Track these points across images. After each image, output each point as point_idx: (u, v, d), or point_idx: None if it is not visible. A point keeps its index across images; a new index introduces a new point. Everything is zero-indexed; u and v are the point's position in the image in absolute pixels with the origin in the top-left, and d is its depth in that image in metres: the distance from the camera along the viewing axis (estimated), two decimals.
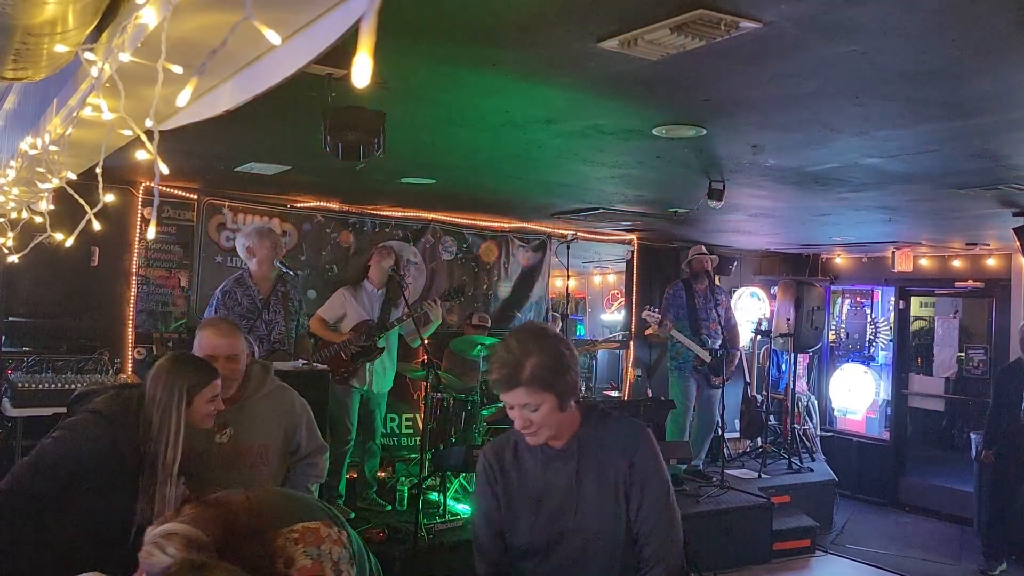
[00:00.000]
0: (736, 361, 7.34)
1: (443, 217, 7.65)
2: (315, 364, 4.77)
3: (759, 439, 8.38)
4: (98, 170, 1.95)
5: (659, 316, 6.81)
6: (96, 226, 2.21)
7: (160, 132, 1.69)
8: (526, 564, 2.24)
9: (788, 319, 8.25)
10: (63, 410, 2.98)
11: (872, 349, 9.39)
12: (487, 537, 2.27)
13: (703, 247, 7.30)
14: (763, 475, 7.56)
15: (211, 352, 2.87)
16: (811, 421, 9.14)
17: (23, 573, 2.46)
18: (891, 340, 9.21)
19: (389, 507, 5.74)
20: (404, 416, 7.14)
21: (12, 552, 2.47)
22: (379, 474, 6.12)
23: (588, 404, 2.29)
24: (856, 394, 9.39)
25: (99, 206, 2.03)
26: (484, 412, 6.16)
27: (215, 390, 2.71)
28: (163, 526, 1.77)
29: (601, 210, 6.71)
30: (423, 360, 5.96)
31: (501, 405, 6.00)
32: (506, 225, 8.04)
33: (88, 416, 2.63)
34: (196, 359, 2.81)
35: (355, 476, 5.87)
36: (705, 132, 3.78)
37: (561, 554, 2.19)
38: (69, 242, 2.55)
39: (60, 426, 2.66)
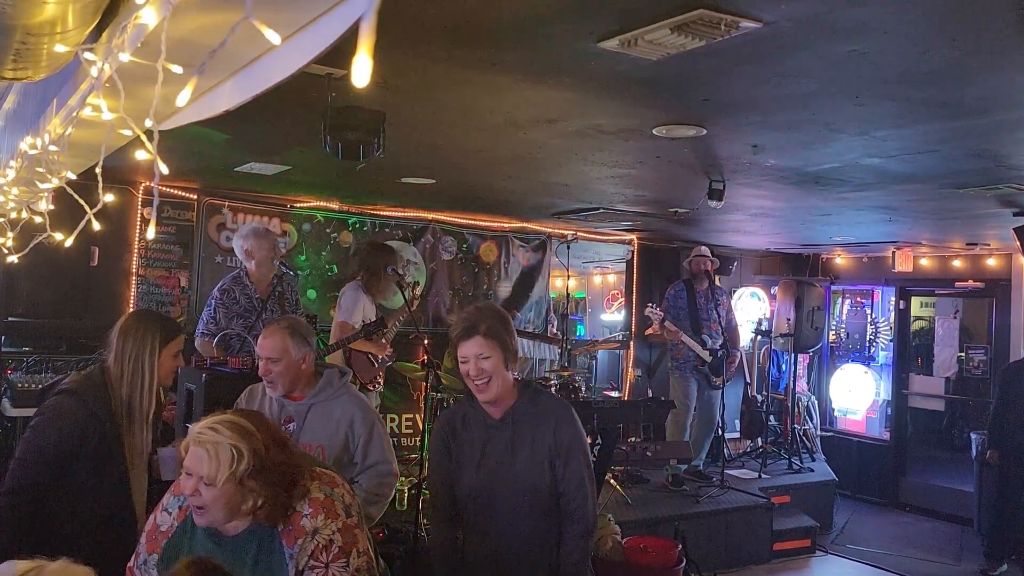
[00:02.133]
0: (737, 361, 7.34)
1: (443, 217, 7.64)
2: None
3: (759, 439, 8.38)
4: (98, 170, 1.95)
5: (661, 313, 6.81)
6: (96, 226, 2.20)
7: (160, 132, 1.69)
8: (470, 507, 2.68)
9: (788, 319, 8.25)
10: None
11: (872, 349, 9.39)
12: (439, 483, 2.74)
13: (704, 248, 7.30)
14: (763, 475, 7.56)
15: (259, 352, 3.02)
16: (811, 421, 9.14)
17: None
18: (891, 340, 9.21)
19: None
20: (404, 416, 7.14)
21: (15, 552, 2.48)
22: None
23: (524, 382, 2.75)
24: (856, 394, 9.39)
25: (99, 206, 2.03)
26: None
27: (180, 345, 2.84)
28: (208, 419, 1.98)
29: (601, 210, 6.71)
30: (423, 360, 5.95)
31: None
32: (506, 225, 8.04)
33: (56, 399, 2.69)
34: (159, 314, 2.94)
35: None
36: (705, 132, 3.77)
37: (498, 503, 2.62)
38: (69, 242, 2.54)
39: (34, 416, 2.73)
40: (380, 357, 5.54)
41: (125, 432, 2.69)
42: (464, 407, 2.75)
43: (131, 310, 3.00)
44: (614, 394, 9.07)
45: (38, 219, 3.12)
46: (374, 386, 5.62)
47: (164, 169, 1.63)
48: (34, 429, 2.65)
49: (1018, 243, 5.82)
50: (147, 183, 6.01)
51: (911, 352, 9.44)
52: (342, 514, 2.06)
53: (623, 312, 9.75)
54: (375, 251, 5.83)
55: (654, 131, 3.80)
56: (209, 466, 1.92)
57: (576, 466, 2.64)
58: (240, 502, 1.96)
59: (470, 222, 7.83)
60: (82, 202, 2.24)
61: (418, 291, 6.07)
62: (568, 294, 8.31)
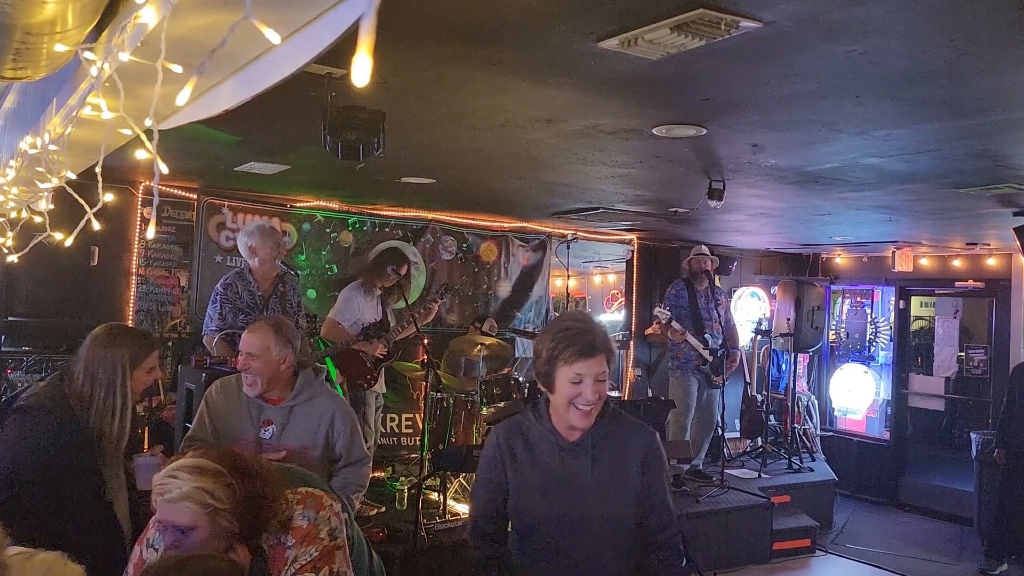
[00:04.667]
0: (736, 361, 7.34)
1: (443, 217, 7.64)
2: (315, 364, 4.77)
3: (759, 439, 8.38)
4: (98, 169, 1.95)
5: (670, 313, 6.80)
6: (96, 226, 2.20)
7: (160, 131, 1.68)
8: (537, 536, 2.37)
9: (788, 319, 8.25)
10: None
11: (872, 349, 9.39)
12: (485, 506, 2.44)
13: (704, 247, 7.30)
14: (763, 475, 7.56)
15: (240, 347, 3.01)
16: (811, 421, 9.14)
17: None
18: (891, 340, 9.21)
19: (383, 508, 5.73)
20: (404, 416, 7.14)
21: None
22: (372, 474, 6.11)
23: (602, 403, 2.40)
24: (856, 394, 9.39)
25: (99, 206, 2.03)
26: (484, 412, 6.15)
27: (154, 360, 2.76)
28: (170, 465, 1.93)
29: (601, 210, 6.71)
30: (423, 360, 5.96)
31: (501, 404, 6.02)
32: (506, 225, 8.04)
33: (13, 418, 2.60)
34: (132, 330, 2.85)
35: None
36: (705, 132, 3.77)
37: (575, 535, 2.32)
38: (69, 242, 2.54)
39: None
40: (372, 355, 5.55)
41: (96, 448, 2.61)
42: (524, 423, 2.42)
43: (103, 325, 2.87)
44: (614, 394, 9.07)
45: (38, 219, 3.12)
46: (369, 385, 5.62)
47: (164, 169, 1.62)
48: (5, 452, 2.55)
49: (1018, 243, 5.81)
50: (147, 183, 6.00)
51: (911, 352, 9.43)
52: (325, 538, 2.04)
53: (623, 312, 9.75)
54: (384, 256, 5.92)
55: (654, 131, 3.80)
56: (181, 515, 1.86)
57: (665, 496, 2.41)
58: (217, 543, 1.90)
59: (470, 222, 7.83)
60: (82, 202, 2.24)
61: (431, 316, 6.12)
62: (568, 294, 8.32)
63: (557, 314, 9.38)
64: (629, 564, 2.40)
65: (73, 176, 2.52)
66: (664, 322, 6.79)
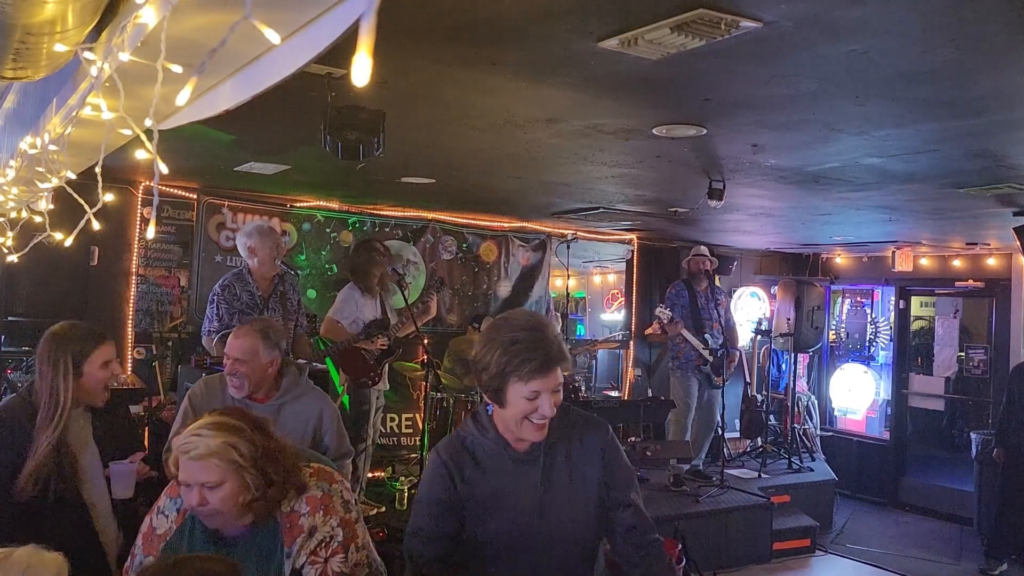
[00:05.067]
0: (736, 361, 7.34)
1: (443, 217, 7.64)
2: (314, 364, 4.77)
3: (759, 439, 8.38)
4: (98, 169, 1.95)
5: (671, 313, 6.80)
6: (96, 226, 2.20)
7: (160, 131, 1.69)
8: (491, 564, 2.10)
9: (788, 319, 8.25)
10: None
11: (872, 349, 9.39)
12: (433, 538, 2.10)
13: (703, 248, 7.30)
14: (763, 475, 7.56)
15: (227, 352, 3.00)
16: (811, 421, 9.14)
17: None
18: (891, 340, 9.21)
19: (383, 508, 5.73)
20: (404, 416, 7.14)
21: None
22: (371, 474, 6.11)
23: None
24: (856, 394, 9.39)
25: (99, 205, 2.03)
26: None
27: (106, 355, 2.65)
28: (189, 428, 1.97)
29: (601, 210, 6.71)
30: (423, 360, 5.97)
31: None
32: (506, 225, 8.04)
33: None
34: (84, 325, 2.75)
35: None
36: (705, 132, 3.77)
37: (530, 558, 2.09)
38: (68, 241, 2.54)
39: None
40: (374, 352, 5.55)
41: (53, 454, 2.54)
42: (468, 438, 2.16)
43: (53, 325, 2.79)
44: (614, 394, 9.08)
45: (38, 219, 3.12)
46: (374, 382, 5.62)
47: (164, 168, 1.63)
48: None
49: (1018, 243, 5.81)
50: (147, 182, 6.00)
51: (911, 352, 9.43)
52: (340, 509, 2.06)
53: (623, 312, 9.75)
54: (357, 250, 5.94)
55: (654, 131, 3.80)
56: (210, 471, 1.91)
57: (634, 493, 2.19)
58: (243, 496, 1.95)
59: (470, 222, 7.83)
60: (82, 202, 2.24)
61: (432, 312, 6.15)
62: (568, 294, 8.32)
63: (557, 314, 9.40)
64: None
65: (73, 176, 2.52)
66: (666, 321, 6.80)
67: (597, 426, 2.22)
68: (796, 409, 8.73)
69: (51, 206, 3.03)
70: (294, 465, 2.06)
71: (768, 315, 9.14)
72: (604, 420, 2.27)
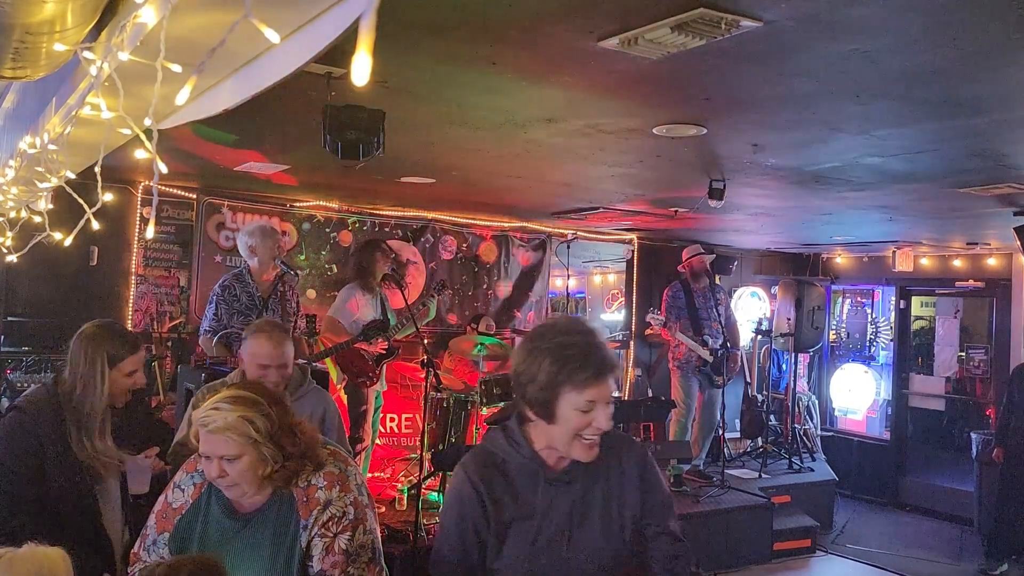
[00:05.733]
0: (737, 360, 7.34)
1: (443, 217, 7.64)
2: (313, 364, 4.78)
3: (759, 439, 8.37)
4: (97, 169, 1.94)
5: (663, 319, 6.80)
6: (95, 225, 2.20)
7: (159, 131, 1.68)
8: None
9: (789, 319, 8.24)
10: None
11: (873, 349, 9.39)
12: (459, 565, 1.93)
13: (699, 246, 7.30)
14: (763, 475, 7.56)
15: (265, 362, 2.96)
16: (811, 421, 9.14)
17: None
18: (892, 340, 9.21)
19: (383, 508, 5.73)
20: (404, 416, 7.13)
21: None
22: (370, 474, 6.11)
23: None
24: (856, 394, 9.39)
25: (98, 205, 2.03)
26: (484, 412, 6.15)
27: (135, 365, 2.70)
28: (208, 402, 2.02)
29: (601, 209, 6.70)
30: (423, 360, 5.96)
31: (501, 404, 6.02)
32: (506, 225, 8.04)
33: (9, 416, 2.63)
34: (122, 329, 2.81)
35: None
36: (705, 131, 3.77)
37: None
38: (68, 241, 2.54)
39: None
40: (373, 353, 5.56)
41: (77, 446, 2.58)
42: (499, 454, 1.96)
43: (96, 320, 2.83)
44: (614, 394, 9.06)
45: (37, 218, 3.12)
46: (372, 382, 5.63)
47: (163, 168, 1.62)
48: None
49: (1018, 242, 5.81)
50: (146, 182, 6.00)
51: (911, 352, 9.43)
52: (355, 490, 2.11)
53: (623, 312, 9.74)
54: (363, 248, 5.95)
55: (654, 130, 3.80)
56: (227, 445, 1.96)
57: (675, 522, 2.03)
58: (262, 469, 2.00)
59: (470, 222, 7.82)
60: (81, 201, 2.24)
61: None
62: (568, 294, 8.32)
63: (557, 313, 9.38)
64: None
65: (72, 176, 2.52)
66: (657, 328, 6.82)
67: (634, 446, 2.06)
68: (796, 409, 8.73)
69: (51, 206, 3.03)
70: (312, 440, 2.11)
71: (768, 315, 9.14)
72: (632, 438, 2.14)
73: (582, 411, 1.81)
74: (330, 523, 2.04)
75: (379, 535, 2.19)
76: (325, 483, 2.07)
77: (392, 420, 7.01)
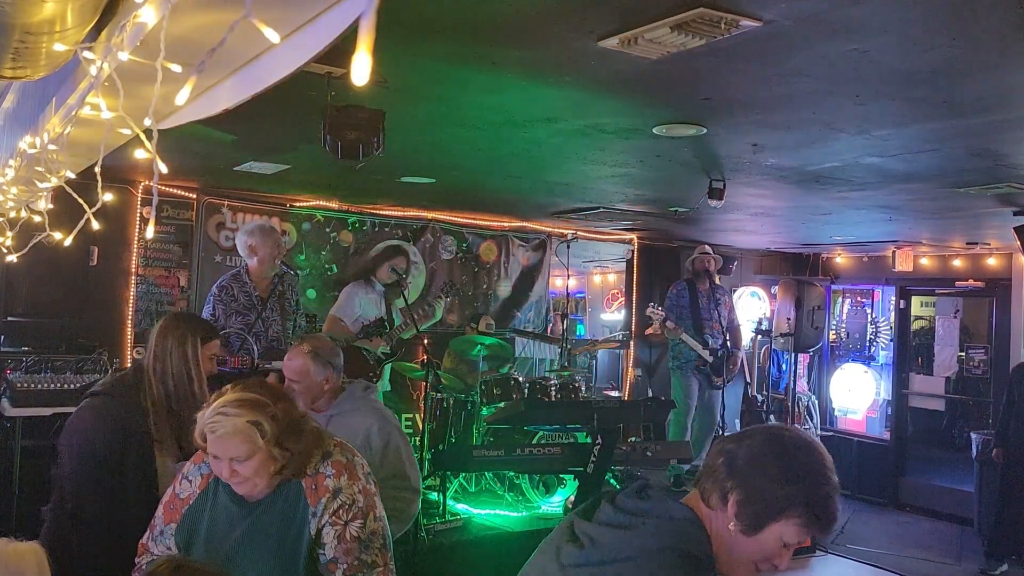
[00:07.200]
0: (737, 361, 7.33)
1: (443, 216, 7.64)
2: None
3: None
4: (97, 169, 1.94)
5: (662, 313, 6.80)
6: (95, 225, 2.20)
7: (159, 131, 1.68)
8: None
9: (788, 319, 8.24)
10: (62, 410, 2.99)
11: (872, 349, 9.39)
12: None
13: (707, 246, 7.29)
14: None
15: (284, 371, 3.12)
16: (811, 421, 9.14)
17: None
18: (891, 340, 9.20)
19: None
20: (404, 416, 7.13)
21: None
22: None
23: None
24: (856, 394, 9.38)
25: (98, 205, 2.03)
26: (484, 412, 6.15)
27: (215, 349, 2.86)
28: (213, 405, 2.04)
29: (601, 209, 6.70)
30: (423, 360, 5.97)
31: (501, 405, 6.01)
32: (506, 224, 8.04)
33: (89, 401, 2.70)
34: (199, 317, 2.95)
35: None
36: (705, 131, 3.77)
37: None
38: (68, 241, 2.54)
39: (68, 424, 2.70)
40: (374, 353, 5.56)
41: (156, 435, 2.64)
42: (704, 559, 1.65)
43: (168, 312, 2.99)
44: (614, 394, 9.07)
45: (37, 218, 3.12)
46: (372, 382, 5.62)
47: (163, 168, 1.62)
48: (76, 435, 2.62)
49: (1018, 242, 5.81)
50: (146, 182, 6.00)
51: (911, 352, 9.43)
52: (362, 478, 2.14)
53: (623, 312, 9.74)
54: (380, 255, 5.94)
55: (654, 130, 3.80)
56: (235, 449, 1.98)
57: None
58: (272, 466, 2.03)
59: (470, 221, 7.82)
60: (81, 201, 2.24)
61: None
62: (568, 293, 8.32)
63: (557, 313, 9.37)
64: None
65: (72, 176, 2.52)
66: (658, 321, 6.80)
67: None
68: (796, 409, 8.73)
69: (50, 206, 3.03)
70: (319, 434, 2.15)
71: (768, 315, 9.14)
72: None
73: (783, 545, 1.66)
74: (340, 511, 2.06)
75: (386, 521, 2.22)
76: (333, 471, 2.09)
77: None
